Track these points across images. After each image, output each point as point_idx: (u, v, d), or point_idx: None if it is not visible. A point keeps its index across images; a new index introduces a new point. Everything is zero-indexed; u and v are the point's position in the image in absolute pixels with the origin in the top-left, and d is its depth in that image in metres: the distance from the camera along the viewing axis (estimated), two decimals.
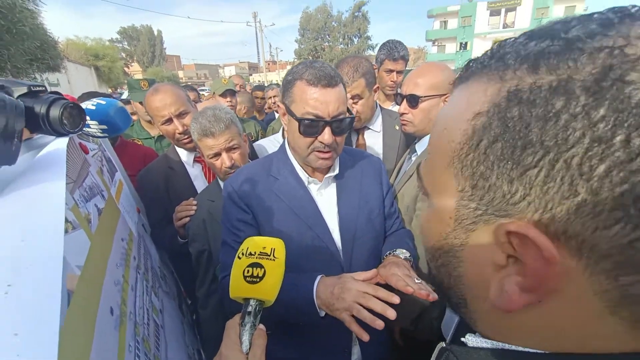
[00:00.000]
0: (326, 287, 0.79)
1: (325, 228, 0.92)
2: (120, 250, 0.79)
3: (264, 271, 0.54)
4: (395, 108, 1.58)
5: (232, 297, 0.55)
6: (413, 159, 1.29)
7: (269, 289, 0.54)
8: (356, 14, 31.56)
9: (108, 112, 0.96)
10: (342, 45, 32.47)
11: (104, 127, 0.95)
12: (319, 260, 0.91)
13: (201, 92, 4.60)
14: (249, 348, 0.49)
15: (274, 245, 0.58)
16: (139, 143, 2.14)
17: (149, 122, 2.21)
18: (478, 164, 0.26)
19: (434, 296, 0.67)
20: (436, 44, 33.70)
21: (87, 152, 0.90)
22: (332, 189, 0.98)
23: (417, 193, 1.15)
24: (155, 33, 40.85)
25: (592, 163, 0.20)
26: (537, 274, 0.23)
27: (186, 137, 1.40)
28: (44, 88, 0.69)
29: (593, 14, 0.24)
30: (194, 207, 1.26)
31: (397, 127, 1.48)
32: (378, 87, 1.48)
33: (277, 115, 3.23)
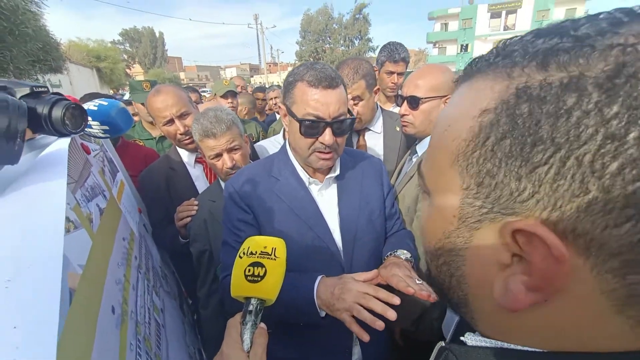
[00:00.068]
0: (327, 288, 0.79)
1: (326, 228, 0.93)
2: (122, 250, 0.80)
3: (265, 270, 0.54)
4: (396, 109, 1.58)
5: (233, 296, 0.55)
6: (414, 160, 1.29)
7: (270, 288, 0.54)
8: (357, 16, 31.64)
9: (110, 113, 0.96)
10: (343, 47, 32.53)
11: (106, 127, 0.95)
12: (319, 260, 0.91)
13: (202, 94, 4.61)
14: (250, 347, 0.49)
15: (275, 244, 0.58)
16: (141, 144, 2.15)
17: (151, 123, 2.22)
18: (485, 162, 0.25)
19: (435, 297, 0.67)
20: (437, 46, 33.74)
21: (89, 153, 0.90)
22: (333, 189, 0.98)
23: (418, 194, 1.15)
24: (157, 35, 41.01)
25: (604, 160, 0.20)
26: (545, 273, 0.23)
27: (187, 137, 1.41)
28: (46, 89, 0.70)
29: (600, 13, 0.24)
30: (195, 208, 1.27)
31: (398, 129, 1.48)
32: (378, 89, 1.49)
33: (278, 116, 3.23)
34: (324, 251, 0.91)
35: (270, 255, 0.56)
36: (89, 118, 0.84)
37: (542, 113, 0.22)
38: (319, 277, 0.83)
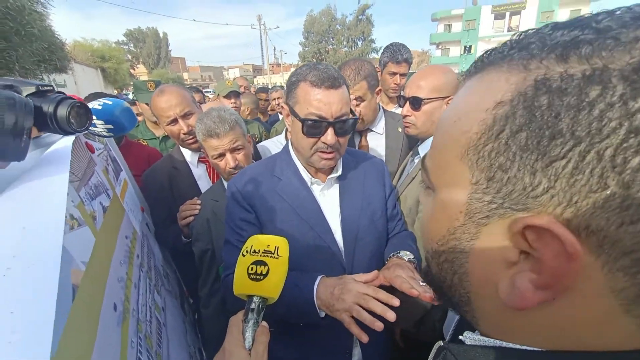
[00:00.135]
0: (326, 288, 0.79)
1: (328, 228, 0.93)
2: (124, 248, 0.80)
3: (268, 269, 0.55)
4: (398, 110, 1.58)
5: (235, 294, 0.55)
6: (416, 161, 1.29)
7: (273, 286, 0.54)
8: (360, 17, 31.66)
9: (114, 112, 0.97)
10: (346, 48, 32.56)
11: (110, 126, 0.96)
12: (320, 260, 0.91)
13: (205, 94, 4.64)
14: (252, 344, 0.50)
15: (278, 243, 0.58)
16: (144, 143, 2.16)
17: (155, 123, 2.23)
18: (497, 155, 0.25)
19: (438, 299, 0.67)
20: (440, 47, 33.69)
21: (93, 152, 0.91)
22: (335, 190, 0.99)
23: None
24: (161, 35, 41.26)
25: (626, 155, 0.19)
26: (556, 271, 0.23)
27: (191, 137, 1.41)
28: (51, 88, 0.71)
29: (618, 8, 0.23)
30: (198, 207, 1.27)
31: (400, 130, 1.48)
32: (380, 90, 1.49)
33: (280, 116, 3.24)
34: (325, 251, 0.91)
35: (273, 254, 0.57)
36: (94, 117, 0.85)
37: (562, 105, 0.21)
38: (319, 277, 0.83)
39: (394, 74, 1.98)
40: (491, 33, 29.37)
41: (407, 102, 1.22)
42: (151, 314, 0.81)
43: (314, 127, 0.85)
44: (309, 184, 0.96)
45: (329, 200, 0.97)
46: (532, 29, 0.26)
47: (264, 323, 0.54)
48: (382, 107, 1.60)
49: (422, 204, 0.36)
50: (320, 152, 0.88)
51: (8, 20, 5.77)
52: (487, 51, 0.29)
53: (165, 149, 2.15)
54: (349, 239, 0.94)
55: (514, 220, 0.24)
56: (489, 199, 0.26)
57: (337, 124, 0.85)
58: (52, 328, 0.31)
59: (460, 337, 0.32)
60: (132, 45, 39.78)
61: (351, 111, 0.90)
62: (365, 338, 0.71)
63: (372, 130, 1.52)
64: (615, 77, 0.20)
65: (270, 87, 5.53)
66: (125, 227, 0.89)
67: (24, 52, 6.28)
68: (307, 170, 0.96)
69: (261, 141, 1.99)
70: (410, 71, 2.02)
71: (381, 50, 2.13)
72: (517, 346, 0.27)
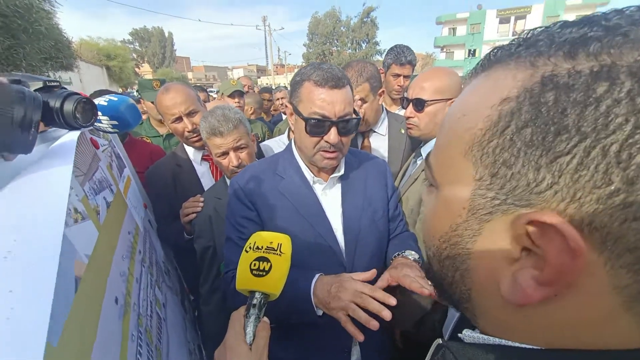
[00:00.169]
0: (323, 286, 0.79)
1: (329, 227, 0.93)
2: (127, 243, 0.81)
3: (270, 265, 0.55)
4: (402, 112, 1.58)
5: (238, 289, 0.56)
6: (418, 162, 1.29)
7: (275, 282, 0.55)
8: (365, 19, 31.72)
9: (119, 108, 0.98)
10: (350, 50, 32.62)
11: (115, 122, 0.97)
12: (321, 259, 0.91)
13: (209, 94, 4.66)
14: (253, 339, 0.50)
15: (281, 240, 0.59)
16: (148, 141, 2.18)
17: (159, 121, 2.25)
18: (502, 151, 0.25)
19: None
20: (444, 50, 33.68)
21: (97, 147, 0.92)
22: (337, 189, 0.99)
23: (422, 196, 1.15)
24: (166, 35, 41.55)
25: (632, 151, 0.19)
26: (559, 267, 0.22)
27: (195, 135, 1.42)
28: (58, 83, 0.72)
29: (629, 7, 0.23)
30: (201, 204, 1.28)
31: (403, 131, 1.48)
32: (384, 91, 1.49)
33: (284, 116, 3.25)
34: (326, 250, 0.91)
35: (276, 250, 0.57)
36: (99, 113, 0.86)
37: (569, 101, 0.21)
38: (317, 275, 0.83)
39: (398, 75, 1.98)
40: (496, 37, 29.31)
41: (411, 104, 1.22)
42: (152, 309, 0.82)
43: (317, 126, 0.85)
44: (311, 183, 0.96)
45: (330, 199, 0.97)
46: (540, 27, 0.27)
47: (265, 319, 0.54)
48: (385, 109, 1.60)
49: (425, 202, 0.36)
50: (323, 151, 0.89)
51: (16, 18, 5.84)
52: (494, 49, 0.29)
53: (168, 147, 2.16)
54: (350, 239, 0.94)
55: (517, 216, 0.24)
56: (492, 195, 0.26)
57: (340, 123, 0.85)
58: (50, 307, 0.31)
59: (459, 335, 0.32)
60: (137, 44, 40.08)
61: (355, 111, 0.90)
62: (360, 337, 0.71)
63: (374, 132, 1.52)
64: (624, 73, 0.20)
65: (274, 87, 5.55)
66: (127, 223, 0.90)
67: (31, 50, 6.35)
68: (310, 170, 0.97)
69: (264, 141, 2.00)
70: (413, 74, 2.02)
71: (385, 53, 2.13)
72: (517, 344, 0.27)
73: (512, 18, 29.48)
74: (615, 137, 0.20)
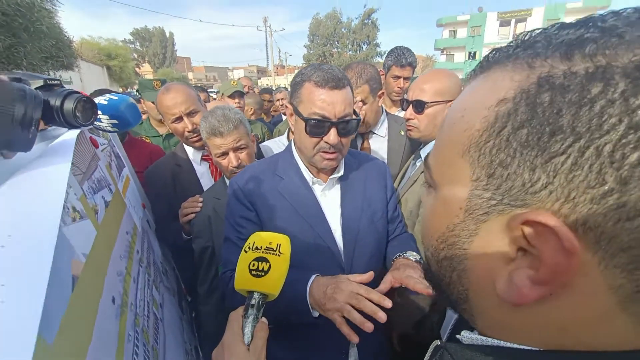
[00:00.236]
0: (319, 287, 0.78)
1: (328, 228, 0.93)
2: (125, 243, 0.81)
3: (269, 266, 0.55)
4: (401, 114, 1.59)
5: (236, 289, 0.56)
6: (417, 164, 1.29)
7: (273, 283, 0.54)
8: (366, 21, 31.79)
9: (119, 107, 0.98)
10: (350, 52, 32.68)
11: (115, 121, 0.97)
12: (319, 259, 0.91)
13: (210, 94, 4.66)
14: (251, 340, 0.50)
15: (280, 241, 0.59)
16: (147, 141, 2.17)
17: (160, 121, 2.25)
18: (498, 152, 0.25)
19: None
20: (445, 52, 33.75)
21: (97, 147, 0.92)
22: (336, 190, 0.99)
23: (421, 198, 1.15)
24: (167, 35, 41.60)
25: (625, 151, 0.20)
26: (553, 267, 0.23)
27: (195, 135, 1.42)
28: (59, 82, 0.72)
29: (626, 9, 0.23)
30: (200, 204, 1.28)
31: (403, 133, 1.48)
32: (383, 93, 1.49)
33: (284, 117, 3.25)
34: (325, 251, 0.91)
35: (275, 251, 0.57)
36: (99, 112, 0.86)
37: (564, 102, 0.22)
38: (313, 276, 0.82)
39: (398, 77, 1.98)
40: (496, 40, 29.38)
41: (411, 105, 1.22)
42: (149, 309, 0.81)
43: (317, 126, 0.85)
44: (310, 183, 0.96)
45: (329, 200, 0.97)
46: (538, 29, 0.27)
47: (264, 319, 0.54)
48: (385, 110, 1.60)
49: (424, 203, 0.36)
50: (322, 152, 0.89)
51: (18, 17, 5.85)
52: (492, 50, 0.29)
53: (168, 147, 2.16)
54: (349, 240, 0.94)
55: (512, 216, 0.24)
56: (488, 195, 0.26)
57: (340, 124, 0.86)
58: (42, 302, 0.31)
59: (458, 336, 0.32)
60: (138, 44, 40.10)
61: (355, 112, 0.90)
62: (355, 338, 0.70)
63: (374, 133, 1.52)
64: (618, 74, 0.20)
65: (274, 88, 5.56)
66: (126, 222, 0.89)
67: (32, 49, 6.36)
68: (309, 170, 0.97)
69: (263, 141, 2.00)
70: (413, 76, 2.02)
71: (385, 54, 2.14)
72: (515, 345, 0.27)
73: (513, 21, 29.57)
74: (609, 137, 0.20)
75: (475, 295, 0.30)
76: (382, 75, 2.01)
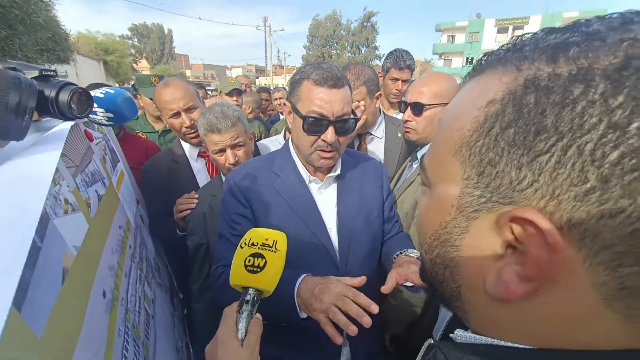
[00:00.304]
0: (308, 287, 0.77)
1: (323, 227, 0.93)
2: (117, 237, 0.80)
3: (265, 262, 0.55)
4: (399, 116, 1.59)
5: (231, 285, 0.55)
6: (414, 166, 1.30)
7: (269, 279, 0.54)
8: (365, 23, 31.94)
9: (115, 101, 0.97)
10: (349, 54, 32.78)
11: (111, 115, 0.95)
12: (314, 258, 0.90)
13: (207, 92, 4.64)
14: (245, 335, 0.50)
15: (277, 237, 0.58)
16: (143, 136, 2.15)
17: (156, 117, 2.23)
18: (487, 151, 0.26)
19: None
20: (443, 57, 34.05)
21: (91, 140, 0.91)
22: (333, 189, 0.99)
23: (417, 200, 1.15)
24: (166, 32, 41.38)
25: (605, 149, 0.20)
26: (538, 262, 0.23)
27: (192, 131, 1.41)
28: (54, 73, 0.71)
29: (612, 14, 0.24)
30: (196, 201, 1.27)
31: (400, 135, 1.49)
32: (381, 94, 1.50)
33: (281, 116, 3.25)
34: (320, 249, 0.91)
35: (272, 247, 0.57)
36: (95, 104, 0.85)
37: (548, 102, 0.23)
38: (303, 276, 0.81)
39: (396, 79, 1.99)
40: (494, 46, 29.53)
41: (409, 108, 1.22)
42: (140, 304, 0.81)
43: (315, 125, 0.85)
44: (307, 181, 0.96)
45: (326, 199, 0.97)
46: (528, 33, 0.28)
47: (258, 315, 0.54)
48: (383, 112, 1.61)
49: (420, 203, 0.37)
50: (319, 150, 0.89)
51: (14, 8, 5.77)
52: (485, 54, 0.31)
53: (164, 143, 2.14)
54: (344, 238, 0.94)
55: (501, 213, 0.25)
56: (478, 193, 0.27)
57: (338, 123, 0.86)
58: (18, 279, 0.32)
59: (451, 335, 0.32)
60: (136, 40, 39.84)
61: (353, 112, 0.90)
62: (339, 339, 0.69)
63: (371, 134, 1.53)
64: (598, 75, 0.21)
65: (272, 88, 5.55)
66: (119, 217, 0.88)
67: (27, 41, 6.28)
68: (306, 168, 0.96)
69: (261, 140, 2.00)
70: (412, 79, 2.03)
71: (384, 57, 2.14)
72: (508, 344, 0.28)
73: (510, 28, 29.94)
74: (590, 137, 0.21)
75: (467, 291, 0.30)
76: (381, 77, 2.02)
